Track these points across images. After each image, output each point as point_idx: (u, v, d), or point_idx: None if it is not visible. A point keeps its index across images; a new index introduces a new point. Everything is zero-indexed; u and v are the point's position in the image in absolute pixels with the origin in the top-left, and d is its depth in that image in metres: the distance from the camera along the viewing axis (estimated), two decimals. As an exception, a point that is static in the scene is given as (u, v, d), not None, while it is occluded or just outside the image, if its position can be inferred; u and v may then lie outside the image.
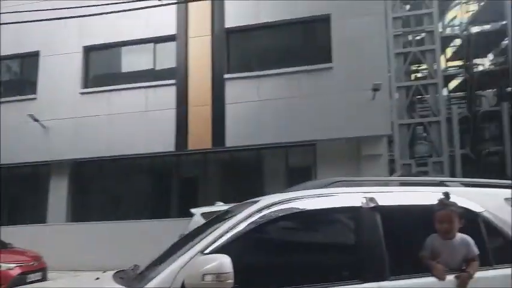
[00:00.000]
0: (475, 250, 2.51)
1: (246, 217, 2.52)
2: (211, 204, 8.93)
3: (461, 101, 19.74)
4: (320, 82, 11.24)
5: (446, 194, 2.64)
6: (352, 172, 11.34)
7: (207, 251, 2.36)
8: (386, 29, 14.87)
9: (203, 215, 7.89)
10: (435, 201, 2.64)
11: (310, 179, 11.69)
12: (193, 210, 8.26)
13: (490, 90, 20.52)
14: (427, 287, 2.45)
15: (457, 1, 18.76)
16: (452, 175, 15.19)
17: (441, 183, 3.08)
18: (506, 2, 16.67)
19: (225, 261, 2.15)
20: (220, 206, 8.40)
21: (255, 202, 2.69)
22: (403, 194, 2.84)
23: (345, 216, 2.71)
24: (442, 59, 19.55)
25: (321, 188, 2.82)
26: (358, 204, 2.62)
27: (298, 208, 2.59)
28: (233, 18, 11.74)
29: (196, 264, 2.20)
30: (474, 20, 19.94)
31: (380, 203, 2.64)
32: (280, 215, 2.55)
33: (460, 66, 20.28)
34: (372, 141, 11.40)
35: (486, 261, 2.58)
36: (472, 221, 2.65)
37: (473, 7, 20.09)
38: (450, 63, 21.13)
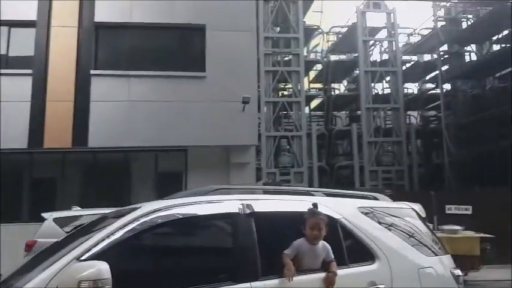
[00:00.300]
0: (332, 255, 2.87)
1: (125, 224, 2.53)
2: (68, 208, 8.25)
3: (320, 119, 22.03)
4: (193, 89, 11.43)
5: (315, 205, 2.94)
6: (222, 178, 11.69)
7: (83, 257, 2.32)
8: (258, 47, 15.93)
9: (56, 220, 7.29)
10: (303, 209, 2.94)
11: (181, 185, 11.71)
12: (44, 215, 7.53)
13: (343, 111, 23.35)
14: (295, 286, 2.66)
15: (319, 30, 20.96)
16: (311, 184, 16.74)
17: (308, 193, 3.44)
18: (358, 36, 19.29)
19: (102, 268, 2.14)
20: (76, 211, 7.84)
21: (136, 208, 2.71)
22: (276, 201, 3.11)
23: (223, 222, 2.85)
24: (306, 80, 21.59)
25: (202, 195, 2.96)
26: (235, 210, 2.78)
27: (178, 214, 2.67)
28: (104, 13, 11.23)
29: (71, 271, 2.17)
30: (333, 49, 22.61)
31: (255, 210, 2.82)
32: (160, 221, 2.59)
33: (320, 89, 22.68)
34: (241, 150, 11.97)
35: (343, 262, 2.94)
36: (332, 227, 2.98)
37: (333, 38, 22.77)
38: (312, 85, 23.44)
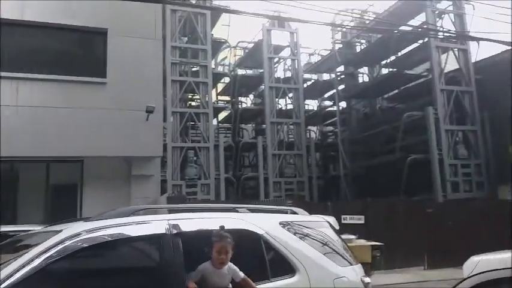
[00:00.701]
0: (241, 274, 2.90)
1: (47, 248, 2.44)
2: None
3: (227, 131, 22.25)
4: (92, 96, 10.71)
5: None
6: (122, 191, 11.10)
7: (4, 285, 2.23)
8: (165, 56, 15.60)
9: None
10: (229, 225, 3.01)
11: (75, 198, 10.84)
12: None
13: (249, 124, 23.90)
14: None
15: (227, 44, 21.28)
16: (217, 196, 16.71)
17: (234, 209, 3.51)
18: (263, 53, 19.98)
19: None
20: None
21: (58, 231, 2.62)
22: (202, 220, 3.16)
23: (151, 243, 2.86)
24: (214, 92, 21.72)
25: (127, 215, 2.91)
26: (162, 231, 2.81)
27: (104, 237, 2.65)
28: (-12, 7, 10.04)
29: None
30: (240, 64, 23.11)
31: (182, 229, 2.88)
32: (84, 245, 2.56)
33: (227, 101, 22.95)
34: (144, 161, 11.49)
35: (265, 276, 3.06)
36: (256, 242, 3.12)
37: (240, 52, 23.28)
38: (220, 97, 23.64)
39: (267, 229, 3.25)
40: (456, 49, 18.44)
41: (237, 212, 3.47)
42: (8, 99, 9.87)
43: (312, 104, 26.52)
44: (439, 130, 17.04)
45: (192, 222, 3.08)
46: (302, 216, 3.80)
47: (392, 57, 20.92)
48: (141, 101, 10.72)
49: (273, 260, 3.17)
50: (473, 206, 15.23)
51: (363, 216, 12.86)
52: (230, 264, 2.91)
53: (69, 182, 11.01)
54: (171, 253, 2.76)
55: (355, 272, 3.57)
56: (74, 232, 2.62)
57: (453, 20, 18.55)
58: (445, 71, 18.16)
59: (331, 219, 4.07)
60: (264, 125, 20.54)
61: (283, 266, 3.17)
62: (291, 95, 20.89)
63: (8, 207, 10.15)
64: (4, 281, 2.23)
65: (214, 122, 20.36)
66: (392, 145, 18.33)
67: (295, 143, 19.97)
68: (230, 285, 2.90)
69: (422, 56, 19.17)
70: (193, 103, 19.13)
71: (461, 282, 1.55)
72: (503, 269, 1.49)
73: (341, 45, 22.57)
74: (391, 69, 20.96)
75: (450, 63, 18.63)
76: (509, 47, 15.25)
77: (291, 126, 20.51)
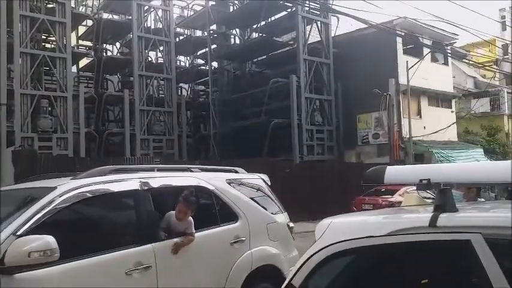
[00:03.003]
0: (192, 230, 3.58)
1: (50, 201, 2.90)
2: None
3: (89, 81, 20.13)
4: None
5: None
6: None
7: (19, 232, 2.63)
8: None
9: None
10: (188, 183, 3.81)
11: None
12: None
13: (115, 75, 22.09)
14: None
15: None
16: (77, 152, 15.24)
17: (189, 169, 4.26)
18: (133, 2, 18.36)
19: (50, 240, 2.54)
20: None
21: (53, 188, 3.05)
22: (166, 178, 3.84)
23: (127, 198, 3.50)
24: (74, 35, 19.28)
25: (105, 175, 3.40)
26: (136, 187, 3.43)
27: (94, 192, 3.20)
28: None
29: (20, 244, 2.49)
30: (105, 7, 20.82)
31: (152, 186, 3.53)
32: (79, 198, 3.08)
33: (89, 47, 20.63)
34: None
35: (216, 222, 3.91)
36: (208, 195, 3.95)
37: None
38: (81, 42, 21.14)
39: (217, 185, 4.03)
40: (319, 22, 19.85)
41: (191, 171, 4.18)
42: None
43: (183, 61, 25.76)
44: (300, 97, 18.40)
45: (159, 180, 3.71)
46: (242, 175, 4.61)
47: (263, 23, 21.51)
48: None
49: (221, 209, 3.99)
50: (325, 166, 17.20)
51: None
52: (190, 219, 3.58)
53: None
54: (144, 205, 3.42)
55: (282, 219, 4.52)
56: (67, 188, 3.07)
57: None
58: (309, 42, 19.49)
59: (265, 177, 4.74)
60: (132, 78, 19.24)
61: (229, 214, 4.01)
62: (161, 48, 19.86)
63: None
64: (18, 229, 2.63)
65: (74, 69, 18.19)
66: (259, 108, 19.16)
67: (166, 99, 19.29)
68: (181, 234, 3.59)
69: (289, 24, 20.13)
70: (47, 45, 16.68)
71: (313, 255, 1.62)
72: (343, 241, 1.62)
73: (214, 2, 22.14)
74: (260, 34, 21.56)
75: (313, 35, 20.07)
76: (363, 26, 17.11)
77: (161, 82, 19.65)
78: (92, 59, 19.63)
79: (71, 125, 15.24)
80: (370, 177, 2.16)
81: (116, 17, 21.35)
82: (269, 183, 4.69)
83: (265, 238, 4.20)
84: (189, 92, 24.36)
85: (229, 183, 4.20)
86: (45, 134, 14.39)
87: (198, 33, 24.60)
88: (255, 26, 22.30)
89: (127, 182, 3.45)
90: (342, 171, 16.90)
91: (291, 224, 4.60)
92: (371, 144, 19.46)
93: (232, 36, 23.69)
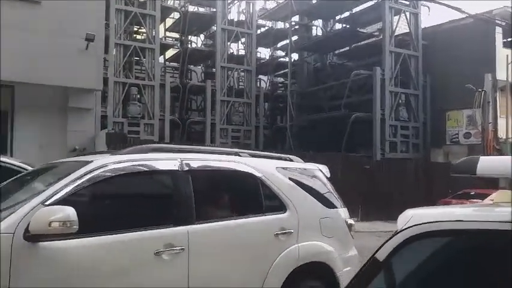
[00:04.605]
0: None
1: (82, 175, 2.89)
2: None
3: (174, 71, 21.18)
4: (24, 16, 9.41)
5: None
6: (58, 123, 10.26)
7: (47, 202, 2.67)
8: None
9: None
10: (231, 167, 3.62)
11: (6, 125, 9.85)
12: None
13: (199, 66, 22.96)
14: (219, 226, 3.37)
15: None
16: (162, 138, 16.13)
17: (237, 153, 3.94)
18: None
19: (70, 212, 2.54)
20: None
21: (88, 162, 3.03)
22: (209, 161, 3.60)
23: (165, 177, 3.36)
24: (162, 27, 20.35)
25: (145, 152, 3.34)
26: (175, 167, 3.28)
27: (127, 168, 3.10)
28: None
29: (41, 214, 2.53)
30: (191, 0, 21.63)
31: (192, 167, 3.35)
32: (111, 174, 3.01)
33: (176, 39, 21.64)
34: (82, 93, 10.57)
35: (260, 211, 3.64)
36: (253, 181, 3.68)
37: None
38: (168, 34, 22.25)
39: (264, 172, 3.75)
40: (408, 12, 18.64)
41: (240, 156, 3.89)
42: None
43: (264, 53, 25.98)
44: (383, 91, 17.50)
45: (201, 162, 3.51)
46: (297, 164, 4.26)
47: (347, 14, 20.76)
48: (81, 28, 9.65)
49: (267, 198, 3.71)
50: (408, 166, 16.19)
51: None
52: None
53: (-3, 109, 9.91)
54: (181, 186, 3.24)
55: (339, 214, 4.15)
56: (101, 163, 3.02)
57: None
58: (396, 33, 18.41)
59: (324, 168, 4.39)
60: (214, 69, 19.81)
61: (276, 204, 3.72)
62: (243, 40, 20.15)
63: None
64: (48, 199, 2.69)
65: (161, 59, 19.24)
66: (338, 101, 18.61)
67: (245, 90, 19.58)
68: None
69: (375, 15, 19.19)
70: (138, 37, 17.80)
71: (394, 235, 1.54)
72: (434, 222, 1.49)
73: (298, -6, 21.85)
74: (344, 25, 20.85)
75: (401, 26, 18.91)
76: (456, 18, 15.72)
77: (242, 73, 19.97)
78: (178, 50, 20.55)
79: (157, 112, 16.13)
80: (461, 168, 1.90)
81: (201, 9, 22.10)
82: (328, 175, 4.33)
83: (317, 233, 3.84)
84: (267, 84, 24.49)
85: (279, 171, 3.88)
86: (134, 120, 15.42)
87: (280, 25, 24.55)
88: (338, 17, 21.66)
89: (166, 161, 3.33)
90: (427, 172, 15.79)
91: (351, 221, 4.18)
92: (461, 144, 17.90)
93: (314, 27, 23.26)
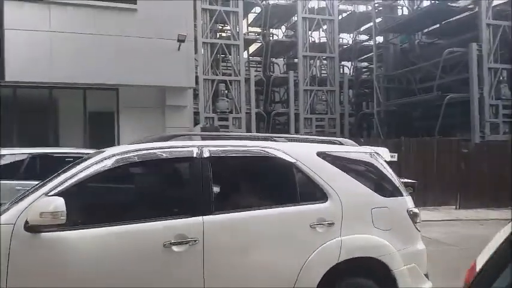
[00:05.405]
0: None
1: (90, 164, 2.89)
2: (-15, 146, 7.42)
3: (258, 65, 21.69)
4: (123, 23, 10.42)
5: None
6: (157, 121, 11.19)
7: (51, 193, 2.68)
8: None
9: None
10: (254, 153, 3.30)
11: (113, 124, 11.03)
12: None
13: (281, 58, 23.19)
14: (238, 216, 3.07)
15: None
16: (249, 130, 16.72)
17: (271, 138, 3.66)
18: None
19: (58, 203, 2.54)
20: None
21: (101, 152, 3.07)
22: (231, 147, 3.34)
23: (180, 165, 3.21)
24: (244, 23, 20.91)
25: (165, 140, 3.24)
26: (193, 155, 3.08)
27: (141, 157, 3.02)
28: None
29: (37, 205, 2.58)
30: (273, -8, 21.83)
31: (211, 154, 3.12)
32: (123, 163, 2.94)
33: (258, 33, 22.09)
34: (177, 92, 11.41)
35: (294, 200, 3.27)
36: (285, 167, 3.33)
37: (272, -20, 21.89)
38: (251, 29, 22.79)
39: (301, 157, 3.36)
40: (508, -22, 16.82)
41: (273, 141, 3.57)
42: (41, 23, 9.72)
43: (346, 38, 25.32)
44: (481, 68, 16.08)
45: (221, 148, 3.25)
46: (346, 147, 3.79)
47: (436, -12, 19.35)
48: (172, 30, 10.42)
49: (304, 185, 3.33)
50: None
51: (396, 154, 12.59)
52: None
53: (106, 110, 11.12)
54: (199, 174, 3.02)
55: (399, 204, 3.58)
56: (113, 152, 2.99)
57: None
58: (493, 4, 16.74)
59: (382, 150, 3.91)
60: (296, 59, 19.88)
61: (315, 192, 3.33)
62: (325, 27, 19.88)
63: (49, 131, 10.44)
64: (51, 190, 2.72)
65: (245, 54, 19.81)
66: (429, 83, 17.52)
67: (328, 78, 19.36)
68: None
69: (468, -14, 17.63)
70: (223, 34, 18.52)
71: None
72: None
73: (380, -26, 20.93)
74: (433, 1, 19.46)
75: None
76: None
77: (324, 61, 19.75)
78: (260, 43, 20.97)
79: (244, 106, 16.72)
80: None
81: (281, 1, 22.23)
82: (387, 159, 3.82)
83: (367, 225, 3.35)
84: (351, 70, 23.88)
85: (321, 156, 3.44)
86: (223, 114, 16.19)
87: (361, 8, 23.73)
88: (425, -7, 20.31)
89: (184, 148, 3.13)
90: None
91: (415, 210, 3.62)
92: None
93: (399, 7, 22.09)
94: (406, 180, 10.52)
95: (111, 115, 11.02)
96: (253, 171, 3.46)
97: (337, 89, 19.37)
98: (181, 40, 10.41)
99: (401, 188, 3.68)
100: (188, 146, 3.14)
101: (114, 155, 2.94)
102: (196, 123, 14.75)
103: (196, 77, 15.97)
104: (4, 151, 6.78)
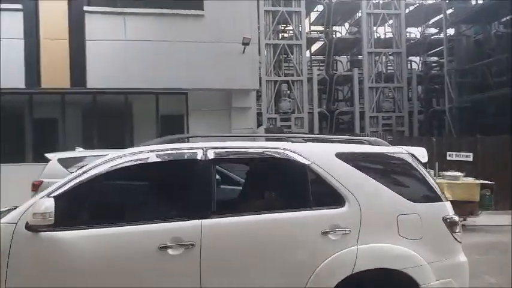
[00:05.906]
0: None
1: (92, 167, 2.94)
2: (71, 149, 8.17)
3: (320, 63, 21.45)
4: (191, 29, 10.89)
5: None
6: (223, 123, 11.55)
7: (53, 194, 2.76)
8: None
9: (60, 160, 7.24)
10: (262, 155, 3.15)
11: (182, 127, 11.59)
12: (49, 156, 7.45)
13: (344, 56, 22.75)
14: (240, 221, 2.96)
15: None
16: (311, 130, 16.65)
17: (287, 139, 3.47)
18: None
19: (48, 204, 2.62)
20: (80, 152, 7.77)
21: (104, 155, 3.09)
22: (239, 149, 3.20)
23: (181, 167, 3.12)
24: (307, 22, 20.80)
25: (173, 143, 3.20)
26: (198, 157, 3.01)
27: (142, 160, 2.99)
28: None
29: (34, 206, 2.68)
30: (335, -10, 21.46)
31: (216, 156, 3.04)
32: (122, 166, 2.93)
33: (321, 31, 21.83)
34: (242, 94, 11.69)
35: (306, 204, 3.05)
36: (298, 170, 3.12)
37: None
38: (313, 27, 22.61)
39: (316, 159, 3.13)
40: None
41: (288, 141, 3.40)
42: (117, 33, 10.45)
43: (414, 32, 24.20)
44: None
45: (228, 150, 3.15)
46: (373, 147, 3.46)
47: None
48: (237, 33, 10.69)
49: (318, 189, 3.10)
50: None
51: (471, 154, 11.97)
52: None
53: (176, 113, 11.70)
54: (202, 177, 2.98)
55: (433, 211, 3.22)
56: (117, 154, 3.04)
57: None
58: None
59: (418, 151, 3.50)
60: (360, 56, 19.41)
61: (330, 197, 3.08)
62: (391, 21, 19.19)
63: (125, 134, 11.21)
64: (54, 191, 2.81)
65: (307, 54, 19.72)
66: (507, 76, 16.23)
67: (395, 74, 18.67)
68: None
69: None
70: (285, 35, 18.58)
71: None
72: None
73: (450, -39, 19.73)
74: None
75: None
76: None
77: (390, 57, 19.06)
78: (323, 42, 20.74)
79: (306, 105, 16.68)
80: None
81: (345, -3, 21.80)
82: (423, 160, 3.43)
83: (391, 233, 3.03)
84: (420, 65, 22.80)
85: (341, 158, 3.17)
86: (285, 115, 16.28)
87: (430, 0, 22.54)
88: (502, -21, 18.79)
89: (188, 151, 3.07)
90: None
91: (454, 218, 3.23)
92: None
93: (472, -4, 20.69)
94: (483, 181, 9.88)
95: (181, 118, 11.57)
96: (260, 173, 3.39)
97: (405, 86, 18.62)
98: (246, 43, 10.65)
99: (439, 193, 3.32)
100: (193, 148, 3.07)
101: (117, 158, 3.00)
102: (259, 124, 14.99)
103: (259, 78, 16.23)
104: (85, 153, 7.39)
